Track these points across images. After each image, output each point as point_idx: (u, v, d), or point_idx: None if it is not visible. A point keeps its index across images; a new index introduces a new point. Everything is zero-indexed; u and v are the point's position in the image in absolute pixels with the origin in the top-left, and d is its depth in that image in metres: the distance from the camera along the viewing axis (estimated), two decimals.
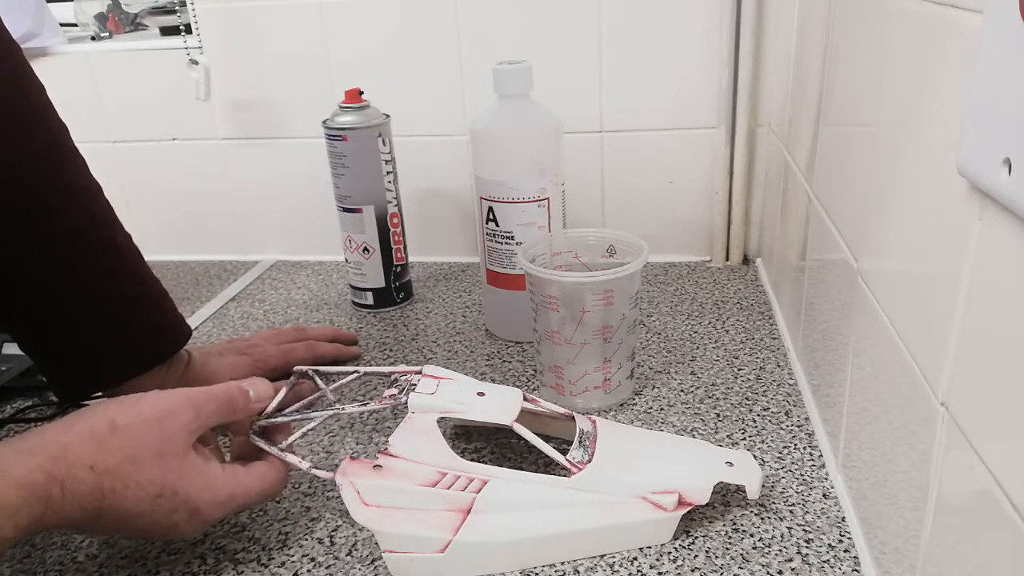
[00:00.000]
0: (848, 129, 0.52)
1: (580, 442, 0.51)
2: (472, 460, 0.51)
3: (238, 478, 0.47)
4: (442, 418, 0.49)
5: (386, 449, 0.48)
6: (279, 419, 0.53)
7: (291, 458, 0.50)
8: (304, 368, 0.58)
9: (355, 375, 0.57)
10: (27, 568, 0.50)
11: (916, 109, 0.39)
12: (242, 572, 0.48)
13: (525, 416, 0.51)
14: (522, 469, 0.53)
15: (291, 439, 0.51)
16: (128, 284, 0.60)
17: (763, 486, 0.52)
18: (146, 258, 0.61)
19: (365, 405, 0.52)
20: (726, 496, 0.52)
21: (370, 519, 0.46)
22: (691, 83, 0.84)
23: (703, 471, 0.50)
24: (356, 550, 0.50)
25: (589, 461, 0.49)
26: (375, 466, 0.47)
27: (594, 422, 0.53)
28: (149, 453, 0.43)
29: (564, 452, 0.50)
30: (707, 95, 0.84)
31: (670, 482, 0.49)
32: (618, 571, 0.47)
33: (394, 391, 0.51)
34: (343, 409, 0.52)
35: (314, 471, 0.49)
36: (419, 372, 0.53)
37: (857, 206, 0.48)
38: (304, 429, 0.52)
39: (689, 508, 0.48)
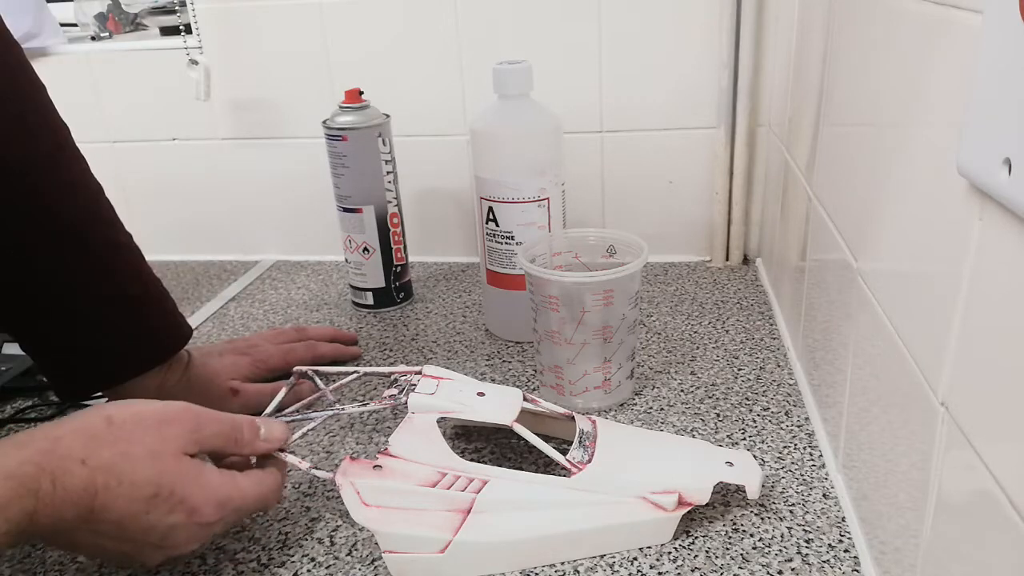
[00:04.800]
0: (848, 129, 0.52)
1: (580, 442, 0.51)
2: (472, 460, 0.51)
3: (235, 480, 0.46)
4: (442, 418, 0.49)
5: (386, 449, 0.48)
6: (279, 419, 0.53)
7: (291, 458, 0.49)
8: (304, 368, 0.58)
9: (355, 375, 0.57)
10: (27, 568, 0.50)
11: (916, 109, 0.39)
12: (242, 572, 0.48)
13: (525, 416, 0.51)
14: (522, 469, 0.53)
15: (291, 439, 0.51)
16: (128, 284, 0.60)
17: (763, 486, 0.52)
18: (146, 258, 0.61)
19: (365, 405, 0.52)
20: (726, 496, 0.52)
21: (370, 519, 0.46)
22: (691, 83, 0.84)
23: (703, 471, 0.50)
24: (356, 550, 0.50)
25: (589, 461, 0.49)
26: (375, 466, 0.47)
27: (594, 422, 0.53)
28: (144, 451, 0.42)
29: (564, 452, 0.50)
30: (707, 95, 0.84)
31: (670, 482, 0.49)
32: (618, 571, 0.47)
33: (394, 391, 0.51)
34: (343, 409, 0.52)
35: (314, 471, 0.49)
36: (419, 372, 0.53)
37: (857, 206, 0.48)
38: (304, 429, 0.52)
39: (689, 508, 0.48)
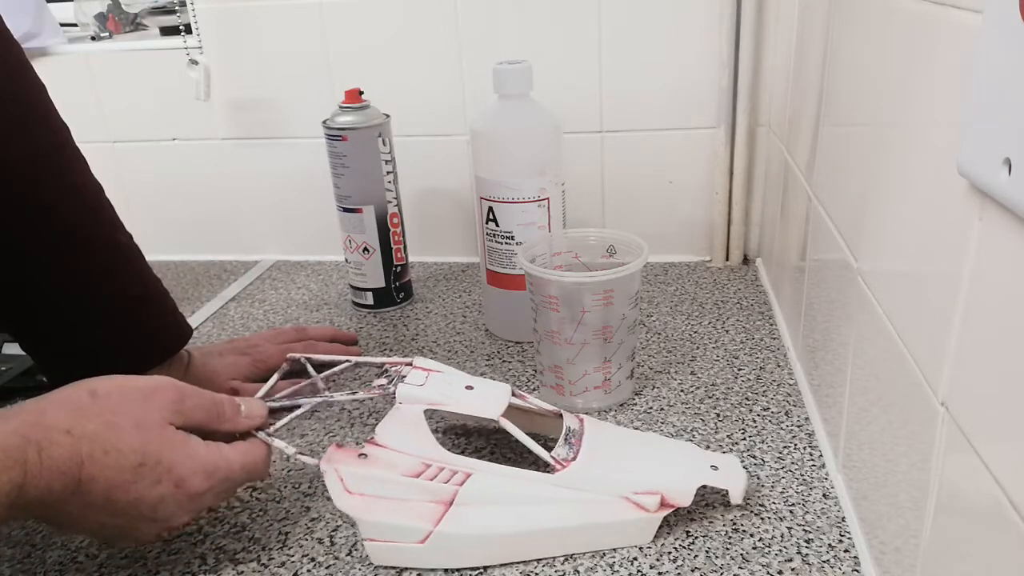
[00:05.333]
0: (848, 129, 0.52)
1: (566, 439, 0.51)
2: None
3: (221, 451, 0.45)
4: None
5: (372, 438, 0.48)
6: (269, 404, 0.53)
7: (277, 443, 0.49)
8: (297, 355, 0.58)
9: (347, 364, 0.57)
10: (27, 568, 0.50)
11: (916, 109, 0.39)
12: (242, 572, 0.48)
13: (515, 413, 0.51)
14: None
15: (279, 424, 0.51)
16: (129, 284, 0.60)
17: (763, 486, 0.52)
18: (146, 258, 0.61)
19: (354, 394, 0.52)
20: (726, 496, 0.52)
21: (352, 507, 0.47)
22: (691, 83, 0.84)
23: (687, 474, 0.50)
24: (356, 550, 0.50)
25: (574, 459, 0.49)
26: (360, 454, 0.48)
27: (581, 420, 0.53)
28: (128, 421, 0.42)
29: (551, 450, 0.50)
30: (707, 95, 0.84)
31: (653, 483, 0.48)
32: (618, 571, 0.47)
33: (383, 381, 0.51)
34: (331, 396, 0.52)
35: (299, 456, 0.49)
36: (410, 363, 0.53)
37: (857, 206, 0.48)
38: (293, 415, 0.52)
39: (671, 510, 0.48)
